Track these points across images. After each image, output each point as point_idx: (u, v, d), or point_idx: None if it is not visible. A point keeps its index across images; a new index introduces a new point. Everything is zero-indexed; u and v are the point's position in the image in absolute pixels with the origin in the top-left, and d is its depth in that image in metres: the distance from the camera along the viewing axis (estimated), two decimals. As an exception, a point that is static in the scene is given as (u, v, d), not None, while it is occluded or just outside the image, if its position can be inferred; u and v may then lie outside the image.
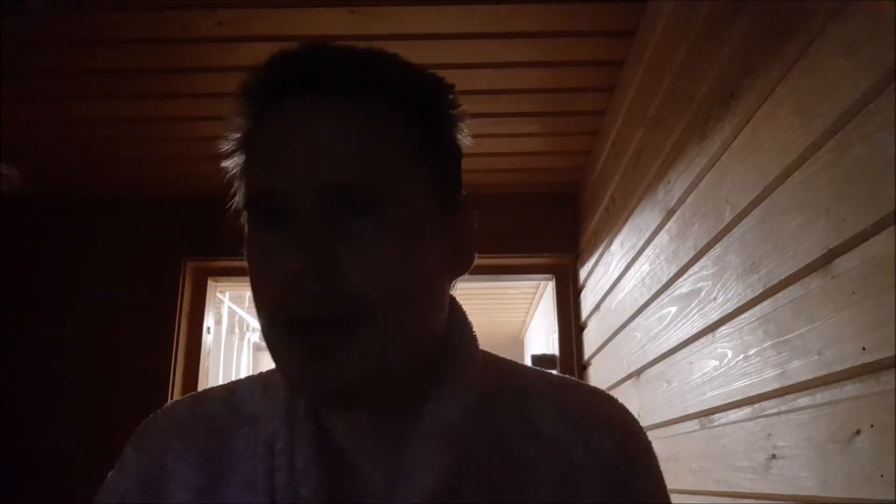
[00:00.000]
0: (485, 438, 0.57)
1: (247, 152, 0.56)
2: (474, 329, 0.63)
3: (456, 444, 0.55)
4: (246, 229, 0.56)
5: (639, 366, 1.69)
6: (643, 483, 0.59)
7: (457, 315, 0.63)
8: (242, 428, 0.59)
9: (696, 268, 1.31)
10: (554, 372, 2.52)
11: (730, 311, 1.12)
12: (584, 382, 0.67)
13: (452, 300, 0.63)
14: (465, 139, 0.60)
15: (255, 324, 4.43)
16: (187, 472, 0.56)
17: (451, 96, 0.58)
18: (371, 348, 0.50)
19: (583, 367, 2.43)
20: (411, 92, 0.55)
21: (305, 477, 0.54)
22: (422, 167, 0.55)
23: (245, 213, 0.55)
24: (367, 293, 0.50)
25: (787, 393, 0.94)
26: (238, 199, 0.57)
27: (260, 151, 0.54)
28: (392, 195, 0.52)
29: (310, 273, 0.49)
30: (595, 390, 0.66)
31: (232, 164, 0.58)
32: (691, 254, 1.32)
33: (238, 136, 0.57)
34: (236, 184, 0.58)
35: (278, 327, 0.51)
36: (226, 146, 0.58)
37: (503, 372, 0.63)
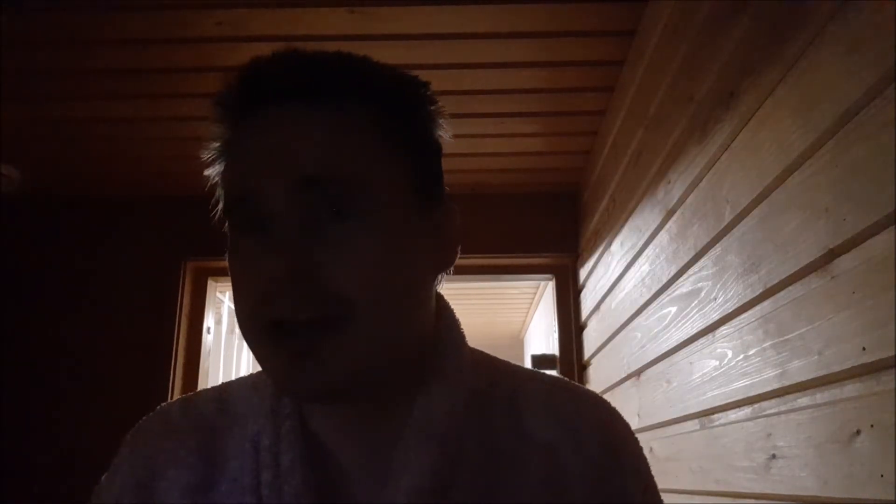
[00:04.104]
0: (475, 437, 0.57)
1: (225, 160, 0.57)
2: (462, 327, 0.63)
3: (445, 441, 0.55)
4: (227, 235, 0.56)
5: (639, 366, 1.69)
6: (632, 487, 0.60)
7: (445, 313, 0.63)
8: (232, 428, 0.59)
9: (696, 268, 1.31)
10: (554, 373, 2.52)
11: (730, 311, 1.12)
12: (576, 384, 0.68)
13: (440, 298, 0.63)
14: (444, 135, 0.60)
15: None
16: (179, 472, 0.57)
17: (427, 93, 0.58)
18: (352, 348, 0.50)
19: (583, 367, 2.43)
20: (382, 90, 0.56)
21: (290, 475, 0.54)
22: (399, 163, 0.55)
23: (224, 219, 0.56)
24: (347, 294, 0.50)
25: (787, 393, 0.94)
26: (220, 207, 0.58)
27: (236, 158, 0.55)
28: (369, 192, 0.52)
29: (289, 276, 0.49)
30: (586, 392, 0.66)
31: (213, 172, 0.59)
32: (691, 254, 1.32)
33: (217, 145, 0.58)
34: (217, 192, 0.59)
35: (260, 331, 0.51)
36: (207, 156, 0.59)
37: (495, 371, 0.64)
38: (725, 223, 1.14)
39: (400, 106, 0.56)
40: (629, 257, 1.78)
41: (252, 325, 0.52)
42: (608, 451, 0.60)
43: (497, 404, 0.60)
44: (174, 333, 2.41)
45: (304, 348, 0.49)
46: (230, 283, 0.55)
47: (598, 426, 0.61)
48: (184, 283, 2.47)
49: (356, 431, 0.57)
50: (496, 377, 0.63)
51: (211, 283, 2.55)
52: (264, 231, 0.51)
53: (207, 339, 2.54)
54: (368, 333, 0.51)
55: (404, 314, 0.55)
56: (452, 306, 0.64)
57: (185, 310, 2.48)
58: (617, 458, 0.60)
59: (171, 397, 2.34)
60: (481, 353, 0.65)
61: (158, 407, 0.65)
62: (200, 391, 0.66)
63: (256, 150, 0.53)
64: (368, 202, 0.52)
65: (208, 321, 2.54)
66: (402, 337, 0.55)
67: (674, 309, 1.43)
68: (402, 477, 0.53)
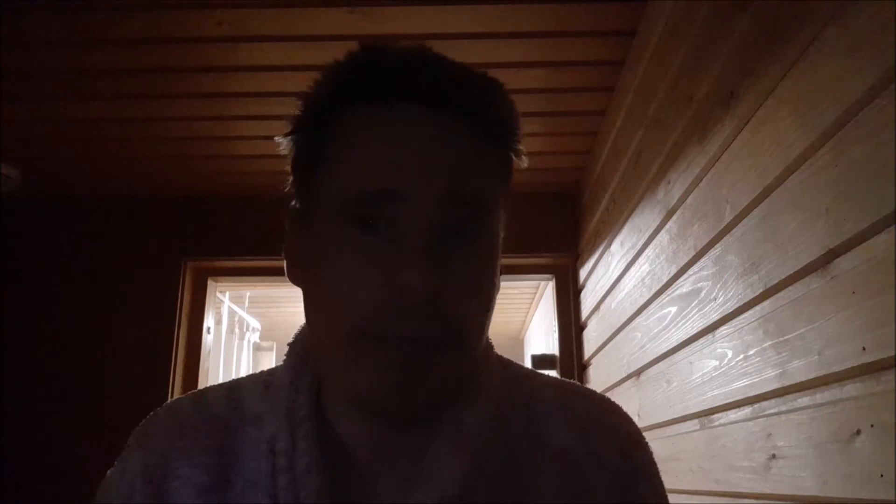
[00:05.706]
0: (495, 442, 0.57)
1: (336, 145, 0.54)
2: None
3: (476, 449, 0.55)
4: (322, 225, 0.53)
5: (639, 366, 1.69)
6: (645, 491, 0.61)
7: None
8: (245, 427, 0.58)
9: (696, 268, 1.31)
10: (554, 373, 2.52)
11: (730, 311, 1.12)
12: (591, 390, 0.68)
13: None
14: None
15: (254, 324, 4.42)
16: (192, 471, 0.56)
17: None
18: (455, 370, 0.53)
19: (583, 367, 2.43)
20: (507, 117, 0.57)
21: (306, 479, 0.53)
22: (504, 191, 0.58)
23: (331, 209, 0.53)
24: (464, 323, 0.52)
25: (787, 393, 0.94)
26: (328, 193, 0.54)
27: (364, 149, 0.53)
28: (488, 217, 0.54)
29: (428, 295, 0.49)
30: (600, 397, 0.67)
31: (291, 142, 0.57)
32: (691, 254, 1.32)
33: (310, 119, 0.56)
34: (303, 173, 0.57)
35: (365, 339, 0.50)
36: (294, 124, 0.56)
37: (512, 376, 0.64)
38: (725, 223, 1.14)
39: (512, 135, 0.58)
40: (629, 257, 1.78)
41: (357, 332, 0.50)
42: (623, 455, 0.61)
43: (514, 411, 0.61)
44: (174, 333, 2.41)
45: (413, 366, 0.50)
46: (321, 284, 0.53)
47: (613, 431, 0.62)
48: (184, 283, 2.47)
49: (382, 434, 0.56)
50: (513, 382, 0.63)
51: (211, 283, 2.55)
52: (385, 230, 0.51)
53: (207, 339, 2.54)
54: (467, 358, 0.54)
55: (484, 339, 0.57)
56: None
57: (185, 310, 2.48)
58: (632, 463, 0.61)
59: (171, 397, 2.34)
60: (501, 357, 0.66)
61: (167, 402, 0.63)
62: (209, 387, 0.65)
63: (401, 149, 0.52)
64: (485, 227, 0.54)
65: (208, 321, 2.54)
66: (478, 359, 0.57)
67: (674, 309, 1.43)
68: (432, 483, 0.53)
